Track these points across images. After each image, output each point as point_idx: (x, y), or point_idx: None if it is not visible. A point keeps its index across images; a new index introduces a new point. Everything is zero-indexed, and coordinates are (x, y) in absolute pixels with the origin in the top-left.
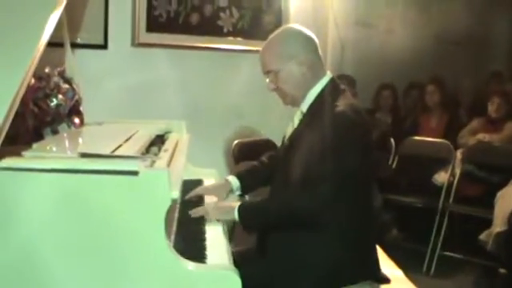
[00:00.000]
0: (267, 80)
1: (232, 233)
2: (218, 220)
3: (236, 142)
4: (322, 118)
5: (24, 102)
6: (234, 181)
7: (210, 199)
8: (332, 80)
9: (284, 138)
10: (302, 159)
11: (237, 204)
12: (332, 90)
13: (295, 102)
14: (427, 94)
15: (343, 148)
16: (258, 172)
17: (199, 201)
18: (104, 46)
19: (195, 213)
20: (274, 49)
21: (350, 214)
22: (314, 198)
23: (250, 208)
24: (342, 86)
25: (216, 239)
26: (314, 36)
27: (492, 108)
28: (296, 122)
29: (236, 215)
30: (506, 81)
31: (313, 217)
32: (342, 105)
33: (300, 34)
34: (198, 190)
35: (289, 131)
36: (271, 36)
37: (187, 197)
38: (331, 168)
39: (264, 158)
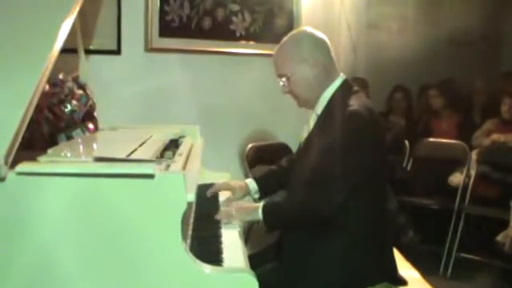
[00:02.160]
0: (280, 83)
1: (247, 236)
2: (242, 221)
3: (250, 145)
4: (335, 118)
5: (38, 108)
6: (252, 184)
7: (224, 198)
8: (345, 81)
9: (300, 141)
10: (316, 159)
11: (260, 204)
12: (345, 92)
13: (309, 105)
14: (430, 98)
15: (357, 147)
16: (275, 175)
17: (214, 200)
18: (117, 52)
19: (221, 217)
20: (286, 52)
21: (365, 215)
22: (329, 197)
23: (274, 207)
24: (356, 87)
25: (232, 242)
26: (325, 38)
27: (504, 109)
28: (311, 124)
29: (260, 215)
30: None
31: (329, 216)
32: (354, 104)
33: (312, 36)
34: (219, 185)
35: (304, 134)
36: (284, 39)
37: (208, 193)
38: (345, 167)
39: (282, 162)
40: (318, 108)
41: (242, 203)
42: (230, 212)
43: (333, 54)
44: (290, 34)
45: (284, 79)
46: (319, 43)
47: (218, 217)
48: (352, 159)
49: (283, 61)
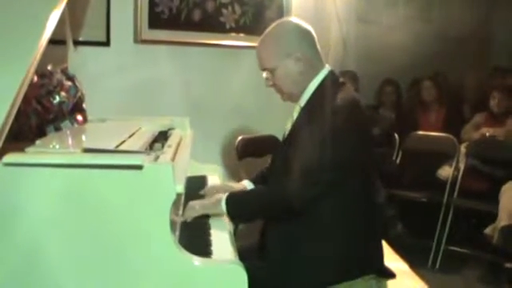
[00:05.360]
0: (264, 75)
1: (235, 229)
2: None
3: (240, 137)
4: (318, 112)
5: (26, 100)
6: (249, 184)
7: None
8: (331, 73)
9: (284, 133)
10: (295, 152)
11: (223, 196)
12: (331, 84)
13: (293, 98)
14: (424, 90)
15: (339, 139)
16: (265, 176)
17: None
18: (106, 43)
19: (186, 216)
20: (270, 46)
21: (351, 209)
22: (301, 190)
23: (239, 197)
24: (341, 79)
25: (221, 234)
26: (311, 29)
27: (493, 103)
28: (295, 116)
29: (223, 206)
30: (508, 76)
31: (298, 209)
32: (338, 98)
33: (296, 28)
34: (218, 186)
35: (288, 126)
36: (267, 31)
37: (202, 192)
38: (323, 161)
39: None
40: (302, 100)
41: (205, 200)
42: (193, 206)
43: (318, 45)
44: (274, 24)
45: (268, 73)
46: (304, 36)
47: (183, 218)
48: (334, 150)
49: (267, 55)
